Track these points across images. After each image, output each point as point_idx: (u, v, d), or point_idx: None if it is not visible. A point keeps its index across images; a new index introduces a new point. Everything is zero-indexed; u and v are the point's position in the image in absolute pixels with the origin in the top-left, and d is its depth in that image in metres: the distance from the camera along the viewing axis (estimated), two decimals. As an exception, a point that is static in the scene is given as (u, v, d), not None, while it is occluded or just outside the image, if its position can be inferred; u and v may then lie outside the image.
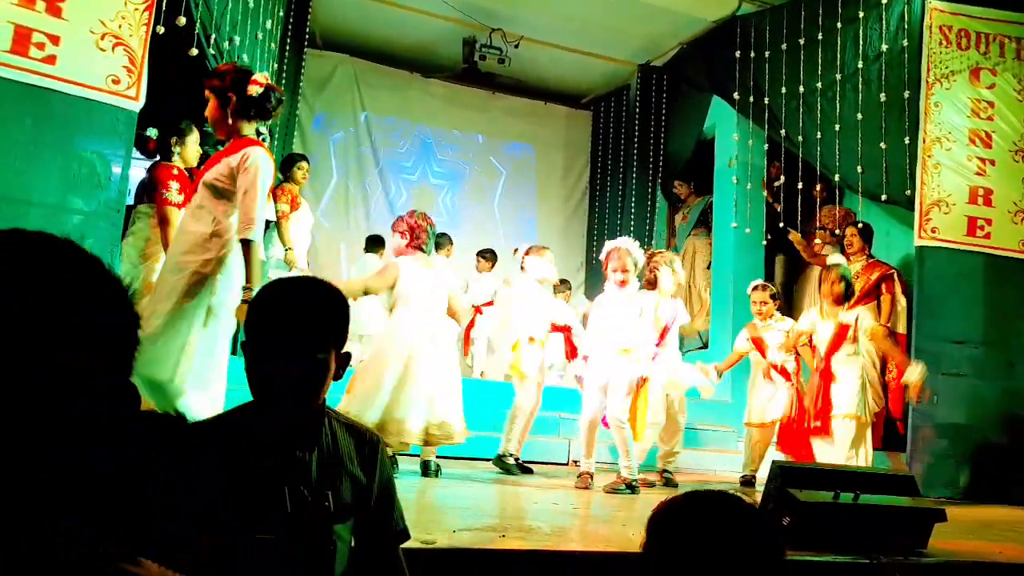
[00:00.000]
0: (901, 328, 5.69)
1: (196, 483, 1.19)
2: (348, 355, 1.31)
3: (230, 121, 2.99)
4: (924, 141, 5.05)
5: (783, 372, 4.95)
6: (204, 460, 1.22)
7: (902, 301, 5.71)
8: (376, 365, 3.84)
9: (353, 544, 1.33)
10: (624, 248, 4.20)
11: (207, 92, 3.01)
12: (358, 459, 1.32)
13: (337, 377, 1.29)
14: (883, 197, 5.37)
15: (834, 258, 5.73)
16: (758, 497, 2.68)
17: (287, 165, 5.96)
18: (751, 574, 1.03)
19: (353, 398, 3.75)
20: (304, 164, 6.06)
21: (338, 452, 1.30)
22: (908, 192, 5.12)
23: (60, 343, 0.58)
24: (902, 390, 5.39)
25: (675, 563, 1.04)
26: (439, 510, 2.72)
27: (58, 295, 0.59)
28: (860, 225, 5.98)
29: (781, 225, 6.23)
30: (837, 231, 6.35)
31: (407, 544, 1.43)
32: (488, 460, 4.74)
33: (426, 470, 3.90)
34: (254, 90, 2.98)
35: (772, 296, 5.11)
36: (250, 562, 1.17)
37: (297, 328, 1.23)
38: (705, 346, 7.52)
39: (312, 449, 1.26)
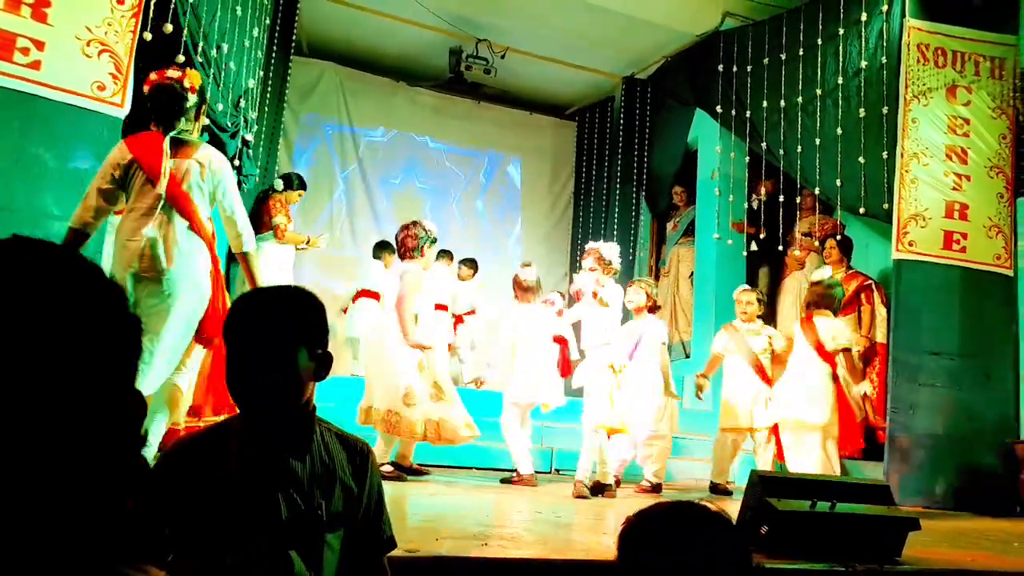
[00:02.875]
0: (881, 337, 5.77)
1: (187, 496, 1.21)
2: (328, 355, 1.31)
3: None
4: (902, 156, 5.15)
5: (762, 373, 5.06)
6: (195, 473, 1.23)
7: (882, 311, 5.80)
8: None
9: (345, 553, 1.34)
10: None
11: None
12: (350, 469, 1.33)
13: (319, 378, 1.30)
14: (861, 210, 5.46)
15: (819, 272, 5.84)
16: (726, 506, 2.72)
17: (287, 184, 6.06)
18: None
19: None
20: (302, 192, 6.26)
21: (331, 461, 1.30)
22: (886, 206, 5.21)
23: (71, 353, 0.57)
24: (883, 399, 5.50)
25: (648, 574, 1.07)
26: (422, 517, 2.74)
27: (64, 304, 0.58)
28: (839, 237, 6.08)
29: (762, 235, 6.32)
30: (817, 241, 6.46)
31: (391, 552, 1.44)
32: (471, 468, 4.80)
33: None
34: (145, 90, 3.04)
35: (758, 300, 5.28)
36: (245, 572, 1.18)
37: (261, 331, 1.24)
38: (687, 356, 7.58)
39: (303, 458, 1.27)
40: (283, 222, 5.75)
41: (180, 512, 1.18)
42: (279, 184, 6.07)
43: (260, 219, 5.91)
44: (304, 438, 1.29)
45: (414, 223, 4.51)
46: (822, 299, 4.75)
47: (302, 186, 6.25)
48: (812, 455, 4.48)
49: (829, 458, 4.51)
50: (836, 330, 4.62)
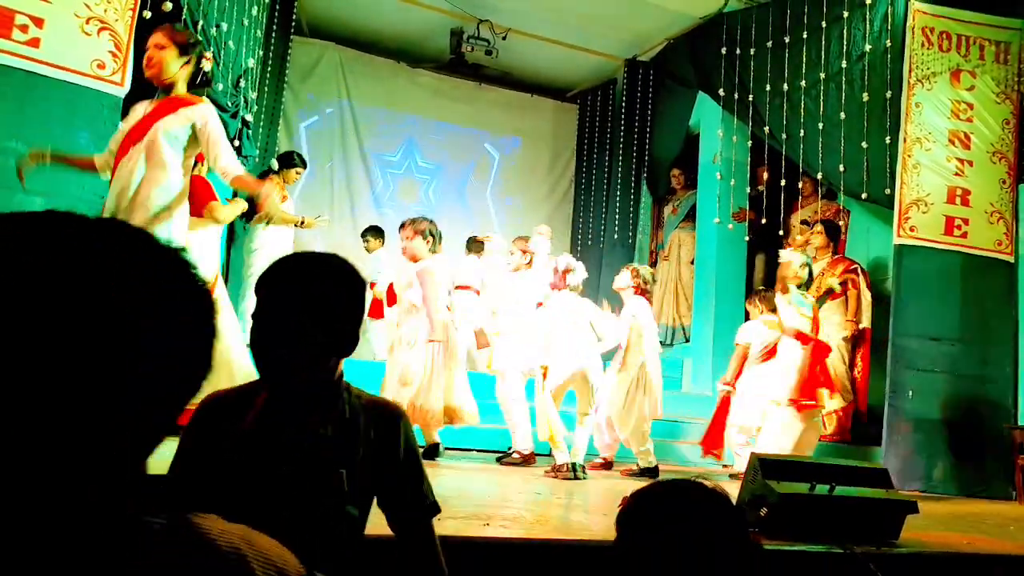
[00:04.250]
0: (866, 322, 5.79)
1: (209, 449, 1.22)
2: (348, 330, 1.27)
3: (176, 77, 3.03)
4: (904, 141, 5.13)
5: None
6: (215, 435, 1.24)
7: (867, 296, 5.82)
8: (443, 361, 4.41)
9: (386, 519, 1.34)
10: None
11: (164, 40, 3.00)
12: (376, 434, 1.30)
13: (343, 353, 1.28)
14: (863, 195, 5.45)
15: (786, 254, 5.80)
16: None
17: (286, 162, 6.00)
18: (719, 558, 1.06)
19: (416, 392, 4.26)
20: (302, 170, 6.17)
21: (356, 428, 1.29)
22: (888, 191, 5.20)
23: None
24: (866, 382, 5.53)
25: (645, 552, 1.07)
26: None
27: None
28: (841, 223, 6.07)
29: (764, 221, 6.30)
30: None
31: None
32: (471, 450, 4.83)
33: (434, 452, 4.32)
34: (206, 65, 3.20)
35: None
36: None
37: (276, 298, 1.23)
38: (687, 340, 7.59)
39: (326, 425, 1.26)
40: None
41: (203, 466, 1.20)
42: (275, 164, 6.02)
43: (253, 200, 5.86)
44: (326, 407, 1.27)
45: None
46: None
47: (302, 163, 6.15)
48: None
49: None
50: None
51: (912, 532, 2.66)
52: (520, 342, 4.67)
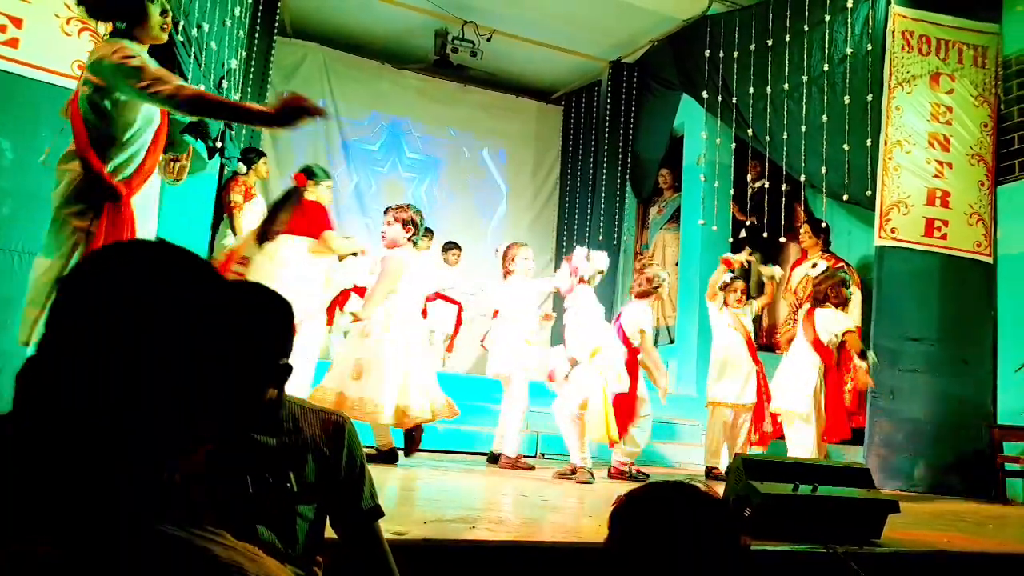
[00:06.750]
0: (856, 320, 5.79)
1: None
2: (286, 367, 1.29)
3: None
4: (885, 143, 5.19)
5: (752, 351, 5.15)
6: None
7: (857, 294, 5.81)
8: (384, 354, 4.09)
9: (329, 522, 1.38)
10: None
11: None
12: (323, 439, 1.35)
13: (274, 385, 1.29)
14: (844, 197, 5.50)
15: (768, 269, 5.82)
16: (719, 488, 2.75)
17: (249, 159, 5.81)
18: (712, 562, 1.07)
19: (365, 385, 3.97)
20: (265, 158, 5.97)
21: (301, 435, 1.33)
22: (869, 193, 5.26)
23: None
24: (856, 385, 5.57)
25: (638, 555, 1.08)
26: (410, 501, 2.75)
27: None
28: (824, 224, 6.12)
29: (748, 223, 6.34)
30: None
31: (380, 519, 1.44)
32: (459, 452, 4.82)
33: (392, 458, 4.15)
34: None
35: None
36: None
37: None
38: (672, 341, 7.63)
39: (271, 434, 1.30)
40: (239, 199, 5.56)
41: None
42: (242, 168, 5.79)
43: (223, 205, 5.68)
44: (270, 418, 1.31)
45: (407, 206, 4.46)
46: (823, 293, 4.74)
47: (259, 154, 5.93)
48: (803, 445, 4.56)
49: (816, 448, 4.57)
50: (830, 322, 4.63)
51: (894, 531, 2.69)
52: (524, 347, 4.64)
